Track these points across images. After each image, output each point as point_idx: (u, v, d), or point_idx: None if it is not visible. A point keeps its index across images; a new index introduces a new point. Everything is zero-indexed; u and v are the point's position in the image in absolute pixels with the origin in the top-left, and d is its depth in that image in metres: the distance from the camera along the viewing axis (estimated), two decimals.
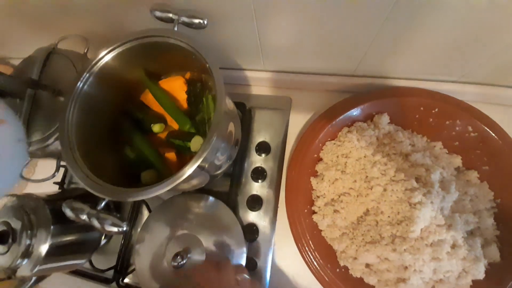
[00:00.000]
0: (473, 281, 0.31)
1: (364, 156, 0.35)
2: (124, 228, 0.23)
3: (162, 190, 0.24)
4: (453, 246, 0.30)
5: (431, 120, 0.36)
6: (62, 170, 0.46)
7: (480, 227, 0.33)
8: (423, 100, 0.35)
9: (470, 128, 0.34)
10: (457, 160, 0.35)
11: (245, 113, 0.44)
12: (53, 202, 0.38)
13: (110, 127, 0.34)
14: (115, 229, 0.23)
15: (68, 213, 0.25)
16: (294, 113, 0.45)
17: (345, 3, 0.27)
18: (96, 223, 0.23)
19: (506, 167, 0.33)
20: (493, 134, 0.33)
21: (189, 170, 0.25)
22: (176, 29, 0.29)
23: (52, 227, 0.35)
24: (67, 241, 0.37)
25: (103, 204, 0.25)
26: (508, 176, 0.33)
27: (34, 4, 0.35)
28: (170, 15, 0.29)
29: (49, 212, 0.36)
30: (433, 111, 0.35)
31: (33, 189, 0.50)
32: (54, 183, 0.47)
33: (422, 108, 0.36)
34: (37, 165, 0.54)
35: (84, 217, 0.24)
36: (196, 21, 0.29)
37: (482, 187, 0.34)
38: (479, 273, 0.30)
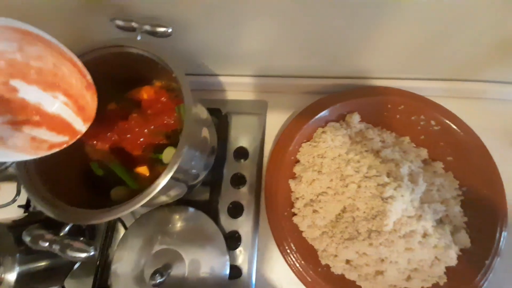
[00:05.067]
0: (447, 268, 0.33)
1: (339, 155, 0.36)
2: (91, 253, 0.22)
3: (132, 208, 0.23)
4: (424, 236, 0.32)
5: (398, 116, 0.38)
6: (23, 193, 0.43)
7: (448, 215, 0.34)
8: (390, 98, 0.37)
9: (433, 122, 0.36)
10: (424, 153, 0.37)
11: (221, 119, 0.43)
12: (17, 228, 0.35)
13: (73, 144, 0.32)
14: (81, 255, 0.22)
15: (28, 241, 0.23)
16: (270, 116, 0.45)
17: (313, 6, 0.28)
18: (58, 250, 0.22)
19: (468, 156, 0.35)
20: (454, 127, 0.35)
21: (161, 184, 0.24)
22: (139, 38, 0.28)
23: (18, 255, 0.32)
24: (37, 268, 0.35)
25: (67, 228, 0.23)
26: (471, 165, 0.35)
27: None
28: (132, 24, 0.28)
29: (13, 239, 0.33)
30: (399, 108, 0.37)
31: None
32: (19, 206, 0.43)
33: (389, 106, 0.37)
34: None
35: (45, 244, 0.22)
36: (160, 29, 0.28)
37: (448, 177, 0.36)
38: (451, 259, 0.32)
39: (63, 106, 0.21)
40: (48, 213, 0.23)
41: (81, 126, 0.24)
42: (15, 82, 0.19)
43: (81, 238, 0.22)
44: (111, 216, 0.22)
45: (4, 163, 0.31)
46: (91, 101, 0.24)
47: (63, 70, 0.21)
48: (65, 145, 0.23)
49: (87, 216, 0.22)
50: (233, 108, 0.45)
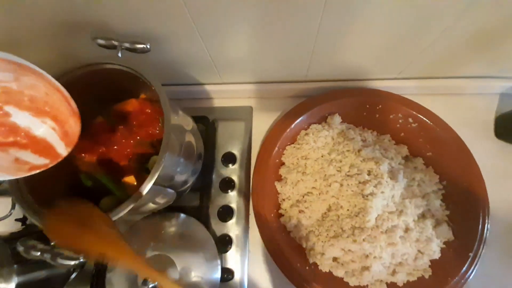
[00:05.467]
0: (431, 261, 0.33)
1: (322, 156, 0.37)
2: (81, 260, 0.23)
3: (118, 214, 0.25)
4: (406, 230, 0.32)
5: (377, 115, 0.39)
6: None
7: (430, 209, 0.35)
8: (367, 99, 0.38)
9: (410, 120, 0.37)
10: (404, 150, 0.38)
11: (208, 126, 0.45)
12: (14, 241, 0.36)
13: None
14: (71, 262, 0.23)
15: (22, 251, 0.24)
16: (256, 121, 0.46)
17: (277, 14, 0.29)
18: (49, 259, 0.23)
19: (446, 150, 0.36)
20: (430, 123, 0.36)
21: (145, 190, 0.25)
22: (120, 55, 0.29)
23: (15, 266, 0.34)
24: (34, 278, 0.36)
25: None
26: (450, 159, 0.36)
27: None
28: (113, 42, 0.29)
29: (9, 251, 0.34)
30: (378, 108, 0.38)
31: None
32: (16, 220, 0.45)
33: (367, 106, 0.39)
34: None
35: (37, 254, 0.23)
36: (139, 46, 0.30)
37: (428, 172, 0.37)
38: (434, 252, 0.33)
39: (50, 130, 0.23)
40: (37, 223, 0.24)
41: (63, 150, 0.25)
42: (8, 108, 0.21)
43: None
44: None
45: None
46: (74, 126, 0.25)
47: (53, 98, 0.23)
48: (43, 168, 0.24)
49: None
50: (220, 115, 0.47)
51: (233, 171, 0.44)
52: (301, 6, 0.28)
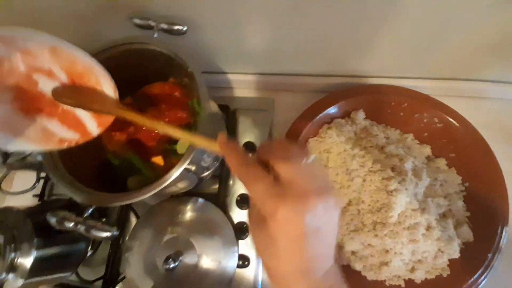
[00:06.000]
0: (450, 260, 0.33)
1: (344, 150, 0.37)
2: (115, 233, 0.24)
3: (148, 194, 0.25)
4: (428, 228, 0.32)
5: (401, 114, 0.39)
6: (41, 182, 0.44)
7: (451, 209, 0.35)
8: (393, 96, 0.38)
9: (436, 120, 0.37)
10: (427, 150, 0.38)
11: (229, 115, 0.45)
12: (34, 215, 0.37)
13: None
14: (105, 234, 0.23)
15: (54, 222, 0.24)
16: (277, 113, 0.46)
17: (316, 7, 0.29)
18: (83, 230, 0.23)
19: (471, 153, 0.36)
20: (457, 124, 0.36)
21: (176, 173, 0.25)
22: (156, 35, 0.30)
23: (35, 239, 0.34)
24: (53, 253, 0.36)
25: (90, 211, 0.25)
26: (473, 161, 0.36)
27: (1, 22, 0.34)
28: (150, 22, 0.29)
29: (31, 224, 0.35)
30: (403, 106, 0.38)
31: (11, 202, 0.48)
32: (34, 195, 0.45)
33: (393, 104, 0.39)
34: (14, 178, 0.52)
35: (70, 225, 0.24)
36: (176, 27, 0.30)
37: (451, 173, 0.37)
38: (454, 252, 0.33)
39: None
40: (73, 195, 0.24)
41: (94, 129, 0.25)
42: (37, 76, 0.21)
43: (103, 219, 0.24)
44: (130, 200, 0.24)
45: (25, 152, 0.33)
46: None
47: (88, 76, 0.23)
48: (74, 143, 0.24)
49: (109, 199, 0.24)
50: (241, 105, 0.47)
51: None
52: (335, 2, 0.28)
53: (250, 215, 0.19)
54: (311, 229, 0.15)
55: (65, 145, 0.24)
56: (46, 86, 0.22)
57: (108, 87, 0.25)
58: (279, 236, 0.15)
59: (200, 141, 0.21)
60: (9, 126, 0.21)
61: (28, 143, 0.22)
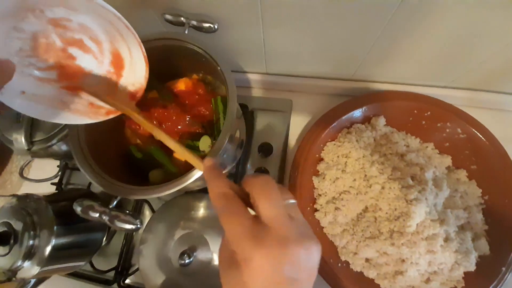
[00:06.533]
0: (465, 273, 0.33)
1: (363, 156, 0.37)
2: (138, 226, 0.24)
3: (174, 188, 0.25)
4: (446, 240, 0.32)
5: (423, 122, 0.38)
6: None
7: (470, 222, 0.35)
8: (416, 104, 0.38)
9: (459, 130, 0.37)
10: (448, 160, 0.38)
11: (247, 115, 0.45)
12: (55, 202, 0.38)
13: (113, 127, 0.34)
14: (129, 226, 0.24)
15: (79, 211, 0.25)
16: (294, 115, 0.46)
17: (346, 12, 0.29)
18: (107, 220, 0.23)
19: (492, 166, 0.36)
20: (481, 136, 0.36)
21: (199, 171, 0.25)
22: (186, 32, 0.30)
23: (55, 227, 0.35)
24: (70, 242, 0.37)
25: (115, 202, 0.25)
26: (494, 175, 0.36)
27: None
28: (181, 19, 0.30)
29: (52, 212, 0.35)
30: (426, 114, 0.38)
31: (27, 190, 0.49)
32: (51, 183, 0.46)
33: (415, 111, 0.38)
34: (31, 166, 0.53)
35: (96, 215, 0.24)
36: (207, 25, 0.30)
37: (471, 185, 0.36)
38: (471, 265, 0.33)
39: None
40: (99, 185, 0.24)
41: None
42: (72, 50, 0.22)
43: (127, 211, 0.24)
44: (157, 194, 0.24)
45: (50, 141, 0.33)
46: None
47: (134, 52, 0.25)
48: (119, 112, 0.25)
49: (136, 191, 0.24)
50: (259, 105, 0.47)
51: (268, 162, 0.44)
52: (374, 6, 0.28)
53: (221, 256, 0.17)
54: (288, 281, 0.15)
55: (112, 116, 0.25)
56: (82, 60, 0.23)
57: (139, 57, 0.25)
58: (252, 285, 0.14)
59: (189, 158, 0.21)
60: (60, 102, 0.22)
61: (80, 117, 0.24)
